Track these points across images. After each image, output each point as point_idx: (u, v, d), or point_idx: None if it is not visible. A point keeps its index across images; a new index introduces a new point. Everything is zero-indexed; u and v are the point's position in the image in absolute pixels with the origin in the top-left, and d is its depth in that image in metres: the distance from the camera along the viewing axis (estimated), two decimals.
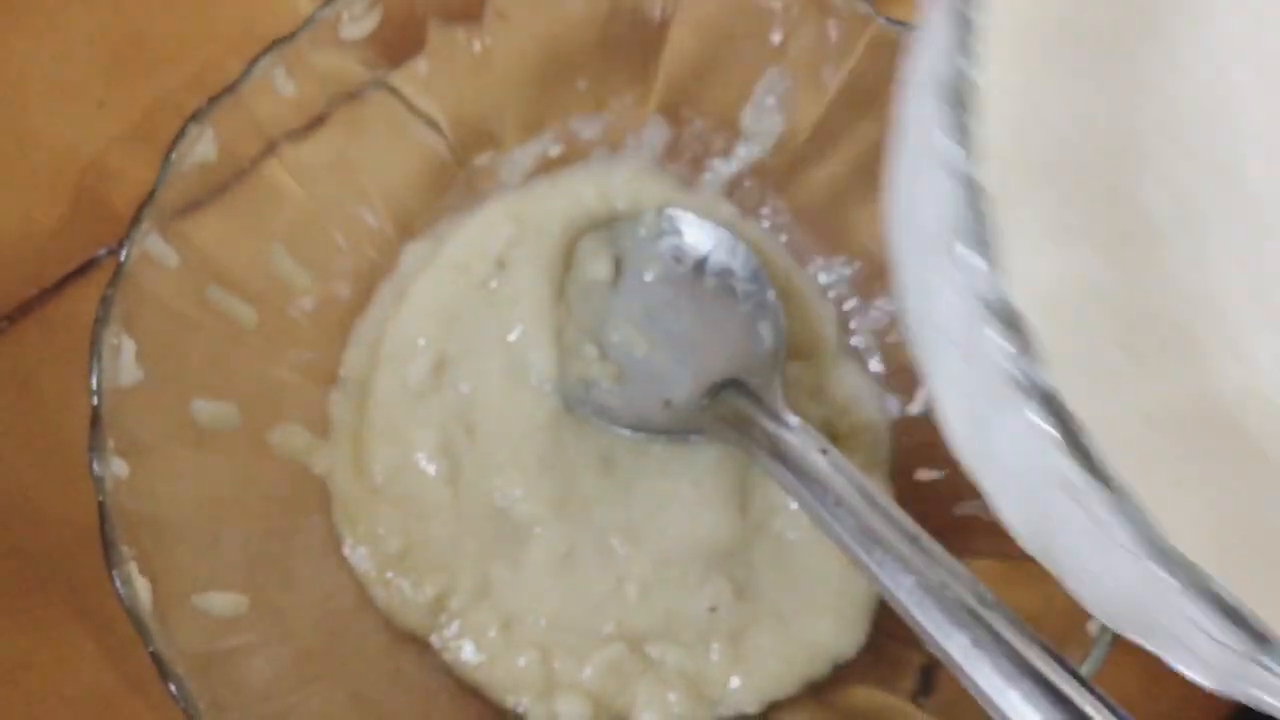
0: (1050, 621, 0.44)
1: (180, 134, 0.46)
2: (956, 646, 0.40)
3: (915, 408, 0.56)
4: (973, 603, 0.41)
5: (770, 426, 0.50)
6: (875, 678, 0.52)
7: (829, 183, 0.58)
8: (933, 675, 0.50)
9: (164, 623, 0.42)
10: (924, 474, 0.55)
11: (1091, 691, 0.38)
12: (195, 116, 0.46)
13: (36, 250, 0.58)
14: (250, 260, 0.52)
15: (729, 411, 0.52)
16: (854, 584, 0.53)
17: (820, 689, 0.52)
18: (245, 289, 0.51)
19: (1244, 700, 0.30)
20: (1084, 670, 0.43)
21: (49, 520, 0.54)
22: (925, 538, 0.43)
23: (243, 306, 0.51)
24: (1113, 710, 0.37)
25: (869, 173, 0.51)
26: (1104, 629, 0.44)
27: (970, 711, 0.46)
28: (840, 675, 0.53)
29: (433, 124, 0.57)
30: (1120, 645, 0.44)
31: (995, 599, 0.41)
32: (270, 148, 0.51)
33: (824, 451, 0.48)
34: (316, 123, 0.53)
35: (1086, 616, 0.44)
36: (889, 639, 0.53)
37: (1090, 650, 0.43)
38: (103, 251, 0.58)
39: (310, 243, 0.54)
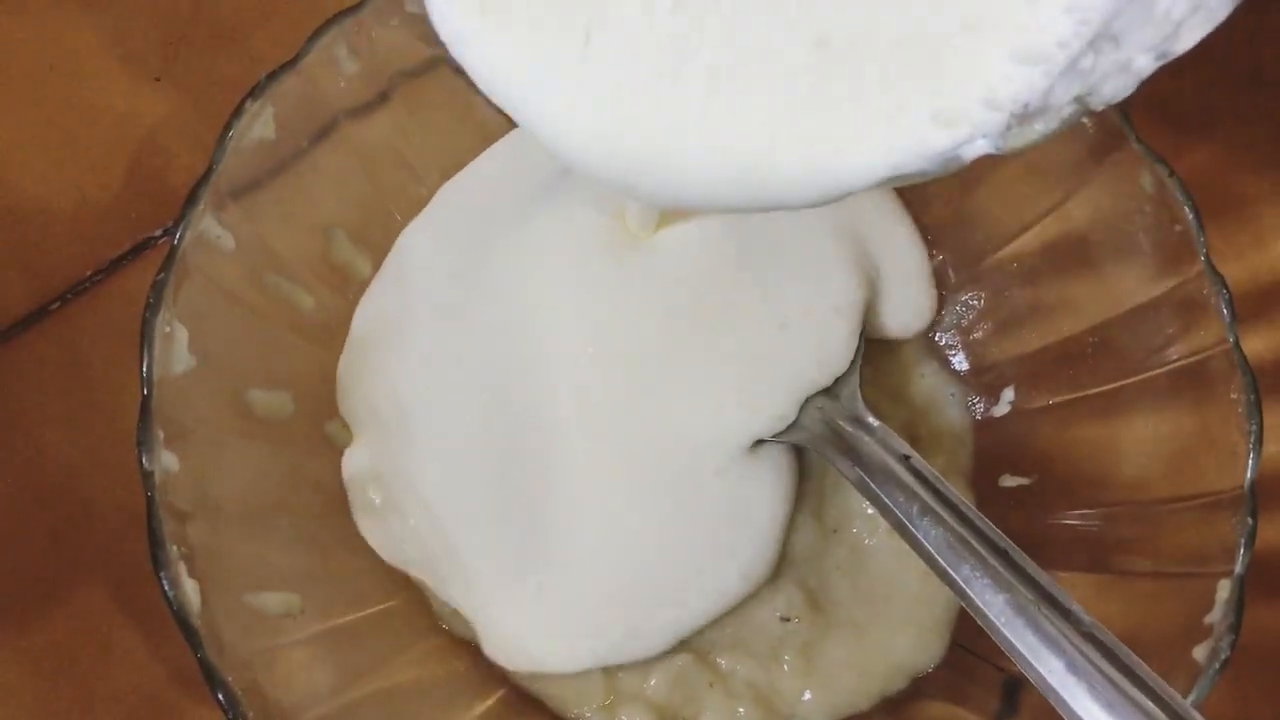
0: (1150, 642, 0.41)
1: (238, 111, 0.44)
2: (1051, 671, 0.37)
3: (1000, 409, 0.53)
4: (1068, 624, 0.38)
5: (848, 429, 0.47)
6: (954, 694, 0.49)
7: None
8: (1017, 695, 0.47)
9: (213, 626, 0.40)
10: (1009, 480, 0.52)
11: None
12: (254, 93, 0.44)
13: (91, 228, 0.56)
14: (309, 245, 0.50)
15: (804, 412, 0.49)
16: (934, 594, 0.50)
17: (895, 704, 0.50)
18: (304, 275, 0.49)
19: None
20: (1190, 700, 0.40)
21: (97, 508, 0.53)
22: (1016, 552, 0.41)
23: (301, 293, 0.49)
24: None
25: None
26: (1211, 656, 0.41)
27: None
28: (916, 690, 0.50)
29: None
30: (1229, 663, 0.41)
31: (1092, 620, 0.38)
32: (331, 126, 0.49)
33: (906, 458, 0.45)
34: (379, 101, 0.51)
35: (1193, 641, 0.41)
36: (969, 653, 0.50)
37: (1197, 679, 0.40)
38: (158, 232, 0.57)
39: (371, 227, 0.52)
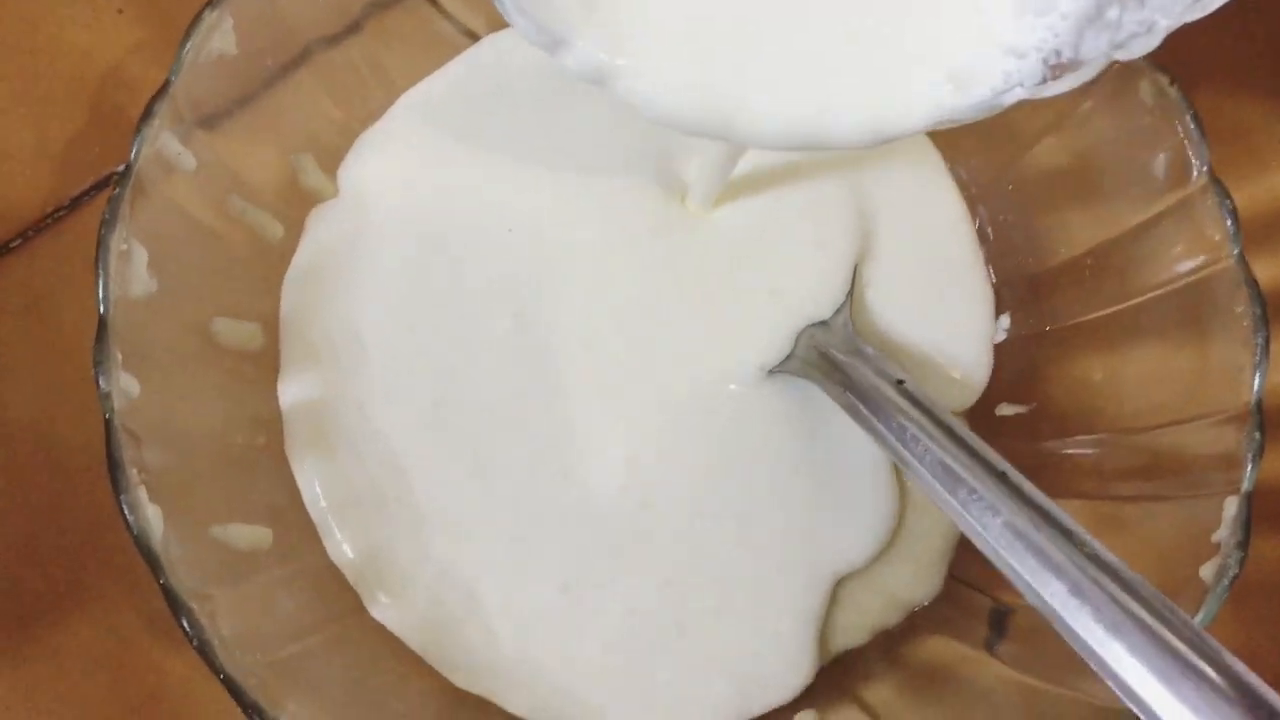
0: (1155, 564, 0.40)
1: (196, 20, 0.42)
2: (1053, 594, 0.35)
3: (997, 337, 0.51)
4: (1070, 545, 0.36)
5: (841, 356, 0.46)
6: (948, 627, 0.48)
7: None
8: (1005, 620, 0.46)
9: (177, 554, 0.38)
10: (1006, 409, 0.50)
11: (1207, 645, 0.33)
12: (211, 3, 0.43)
13: (52, 165, 0.54)
14: (276, 170, 0.48)
15: (798, 343, 0.48)
16: (930, 528, 0.49)
17: (891, 638, 0.49)
18: (270, 200, 0.48)
19: None
20: (1198, 620, 0.38)
21: (64, 451, 0.51)
22: (1013, 473, 0.39)
23: (267, 219, 0.47)
24: (1231, 667, 0.32)
25: None
26: (1219, 574, 0.39)
27: (1044, 656, 0.42)
28: (912, 624, 0.49)
29: (471, 34, 0.53)
30: (1231, 594, 0.39)
31: (1095, 541, 0.36)
32: (302, 54, 0.48)
33: (900, 382, 0.43)
34: (350, 29, 0.50)
35: (1199, 560, 0.40)
36: (961, 584, 0.49)
37: (1204, 599, 0.39)
38: (120, 167, 0.54)
39: (342, 155, 0.51)
